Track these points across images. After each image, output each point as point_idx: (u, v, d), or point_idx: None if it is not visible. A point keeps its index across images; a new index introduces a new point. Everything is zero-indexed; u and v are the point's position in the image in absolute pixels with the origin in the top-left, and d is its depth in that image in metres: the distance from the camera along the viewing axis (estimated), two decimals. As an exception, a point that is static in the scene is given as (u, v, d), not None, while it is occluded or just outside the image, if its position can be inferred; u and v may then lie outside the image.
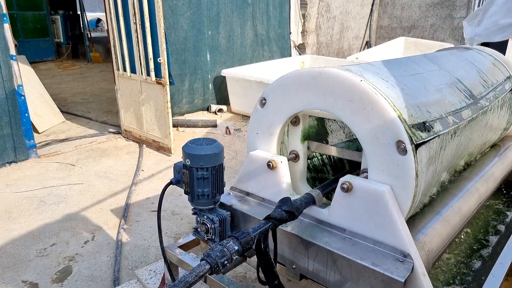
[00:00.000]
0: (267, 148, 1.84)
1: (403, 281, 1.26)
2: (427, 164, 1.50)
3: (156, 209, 3.53)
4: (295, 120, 1.83)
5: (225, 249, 1.27)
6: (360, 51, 9.95)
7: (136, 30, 4.53)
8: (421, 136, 1.44)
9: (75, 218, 3.40)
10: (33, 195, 3.77)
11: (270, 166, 1.75)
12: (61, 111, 6.77)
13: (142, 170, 4.39)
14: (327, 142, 2.09)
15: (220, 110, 6.63)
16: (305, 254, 1.60)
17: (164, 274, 2.14)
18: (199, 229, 1.83)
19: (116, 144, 5.22)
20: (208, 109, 6.70)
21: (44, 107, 6.13)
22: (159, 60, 4.43)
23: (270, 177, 1.78)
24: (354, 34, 9.93)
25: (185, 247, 2.07)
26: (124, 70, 4.97)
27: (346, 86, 1.48)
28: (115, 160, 4.66)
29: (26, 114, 4.42)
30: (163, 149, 4.85)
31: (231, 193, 1.97)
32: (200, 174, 1.70)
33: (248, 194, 1.91)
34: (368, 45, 10.07)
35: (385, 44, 8.54)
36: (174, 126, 5.77)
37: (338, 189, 1.54)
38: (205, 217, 1.79)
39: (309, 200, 1.63)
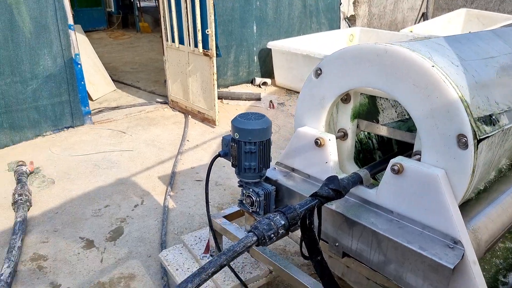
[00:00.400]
0: (316, 124, 1.84)
1: (452, 267, 1.24)
2: (485, 155, 1.44)
3: (200, 179, 3.66)
4: (345, 98, 1.80)
5: (272, 223, 1.30)
6: (415, 23, 9.42)
7: (185, 0, 4.56)
8: (485, 131, 1.37)
9: (125, 182, 3.60)
10: (88, 159, 4.01)
11: (318, 143, 1.74)
12: (112, 80, 7.04)
13: (188, 140, 4.52)
14: (377, 121, 2.04)
15: (264, 83, 6.61)
16: (349, 233, 1.61)
17: (208, 241, 2.23)
18: (244, 201, 1.88)
19: (163, 113, 5.38)
20: (252, 81, 6.70)
21: (97, 75, 6.40)
22: (207, 31, 4.45)
23: (317, 154, 1.78)
24: (410, 5, 9.39)
25: (229, 217, 2.14)
26: (173, 41, 5.05)
27: (414, 69, 1.41)
28: (162, 129, 4.82)
29: (82, 82, 4.64)
30: (208, 121, 4.95)
31: (276, 168, 2.00)
32: (248, 148, 1.74)
33: (293, 170, 1.93)
34: (424, 17, 9.51)
35: (444, 16, 8.02)
36: (218, 98, 5.84)
37: (388, 170, 1.52)
38: (251, 190, 1.83)
39: (356, 180, 1.62)
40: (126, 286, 2.40)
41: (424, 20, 9.21)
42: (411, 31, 7.22)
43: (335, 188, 1.49)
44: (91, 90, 5.97)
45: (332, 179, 1.52)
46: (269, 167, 1.83)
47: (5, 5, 3.86)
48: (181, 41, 4.93)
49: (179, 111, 5.44)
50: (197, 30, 4.56)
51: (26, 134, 4.30)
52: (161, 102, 5.82)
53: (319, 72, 1.75)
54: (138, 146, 4.37)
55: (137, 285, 2.41)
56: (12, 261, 2.44)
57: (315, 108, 1.81)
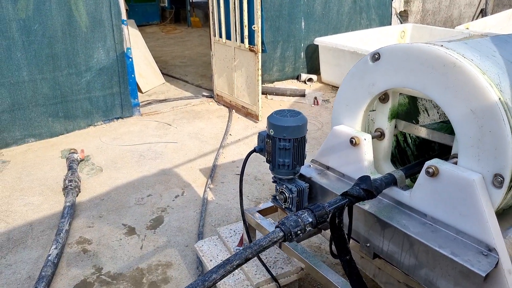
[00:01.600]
0: (352, 123, 1.81)
1: (483, 275, 1.19)
2: None
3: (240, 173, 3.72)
4: (384, 97, 1.76)
5: (299, 220, 1.31)
6: (472, 20, 8.90)
7: (233, -4, 4.62)
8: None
9: (168, 173, 3.74)
10: (135, 149, 4.21)
11: (353, 142, 1.72)
12: (162, 73, 7.31)
13: (230, 134, 4.60)
14: (417, 122, 1.98)
15: (310, 80, 6.55)
16: (381, 234, 1.57)
17: (242, 234, 2.28)
18: (277, 197, 1.90)
19: (208, 107, 5.50)
20: (298, 78, 6.67)
21: (148, 69, 6.66)
22: (253, 27, 4.48)
23: (352, 153, 1.76)
24: (467, 1, 8.88)
25: (263, 212, 2.17)
26: (220, 36, 5.14)
27: (475, 94, 1.35)
28: (206, 123, 4.94)
29: (133, 75, 4.85)
30: (251, 116, 5.00)
31: (311, 165, 1.99)
32: (282, 145, 1.74)
33: (328, 168, 1.92)
34: (483, 13, 8.95)
35: (504, 13, 7.51)
36: (263, 93, 5.88)
37: (422, 172, 1.47)
38: (284, 186, 1.84)
39: (390, 181, 1.59)
40: (163, 274, 2.50)
41: (482, 17, 8.67)
42: (467, 28, 6.83)
43: (366, 188, 1.46)
44: (141, 82, 6.23)
45: (364, 179, 1.50)
46: (303, 164, 1.82)
47: (64, 1, 4.12)
48: (228, 37, 5.01)
49: (223, 105, 5.54)
50: (244, 26, 4.61)
51: (79, 123, 4.59)
52: (206, 96, 5.95)
53: (376, 56, 1.68)
54: (182, 138, 4.51)
55: (173, 273, 2.51)
56: (60, 243, 2.62)
57: (352, 106, 1.78)
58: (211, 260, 2.22)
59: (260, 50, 4.56)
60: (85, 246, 2.76)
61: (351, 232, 1.58)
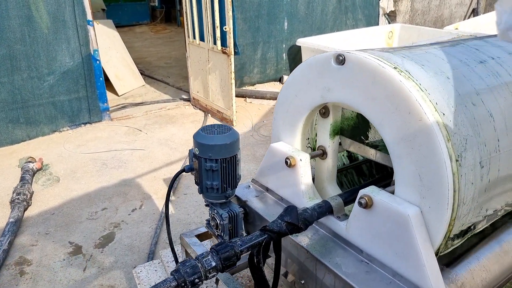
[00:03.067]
0: (291, 140, 1.59)
1: None
2: (474, 171, 1.14)
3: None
4: (324, 111, 1.54)
5: (199, 265, 1.09)
6: (464, 20, 8.68)
7: (205, -4, 4.40)
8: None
9: (129, 184, 3.52)
10: (98, 157, 3.99)
11: (288, 163, 1.50)
12: (144, 75, 7.09)
13: (201, 141, 4.38)
14: (366, 138, 1.76)
15: (293, 82, 6.32)
16: (314, 271, 1.36)
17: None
18: (210, 223, 1.68)
19: (183, 111, 5.29)
20: (280, 80, 6.45)
21: (126, 70, 6.44)
22: (225, 28, 4.26)
23: (288, 175, 1.54)
24: (459, 0, 8.66)
25: (203, 236, 1.96)
26: (194, 37, 4.92)
27: (407, 116, 1.16)
28: (179, 128, 4.72)
29: (101, 78, 4.63)
30: (226, 120, 4.78)
31: (251, 186, 1.78)
32: (209, 166, 1.53)
33: (267, 189, 1.70)
34: (474, 13, 8.73)
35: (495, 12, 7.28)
36: (242, 96, 5.67)
37: (356, 202, 1.25)
38: (216, 211, 1.63)
39: (325, 210, 1.37)
40: (102, 298, 2.29)
41: (474, 16, 8.45)
42: (456, 28, 6.62)
43: (290, 222, 1.25)
44: (118, 85, 6.01)
45: (289, 210, 1.28)
46: (235, 187, 1.61)
47: (23, 1, 3.90)
48: (202, 38, 4.79)
49: (200, 109, 5.33)
50: (216, 27, 4.39)
51: (42, 129, 4.37)
52: (185, 99, 5.73)
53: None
54: (151, 145, 4.29)
55: (113, 298, 2.29)
56: (-7, 264, 2.41)
57: (290, 120, 1.57)
58: (146, 289, 2.01)
59: (233, 53, 4.34)
60: (24, 267, 2.54)
61: (279, 268, 1.36)
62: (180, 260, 1.95)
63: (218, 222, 1.62)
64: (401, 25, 7.42)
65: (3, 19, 3.87)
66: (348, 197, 1.44)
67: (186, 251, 1.93)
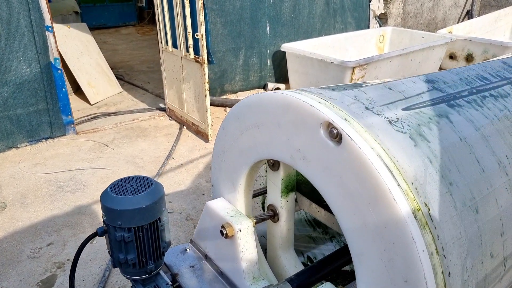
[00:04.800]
0: (232, 197, 1.22)
1: None
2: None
3: (171, 211, 3.13)
4: (273, 162, 1.17)
5: None
6: (458, 22, 8.36)
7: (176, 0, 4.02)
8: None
9: (84, 212, 3.14)
10: (55, 178, 3.60)
11: (223, 234, 1.13)
12: (123, 80, 6.70)
13: (173, 158, 4.01)
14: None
15: (278, 89, 5.94)
16: None
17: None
18: (128, 303, 1.31)
19: (157, 123, 4.90)
20: (264, 87, 6.08)
21: (100, 77, 6.04)
22: (197, 35, 3.88)
23: (227, 247, 1.17)
24: (452, 2, 8.33)
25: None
26: (167, 43, 4.54)
27: (371, 195, 0.81)
28: (150, 143, 4.34)
29: (63, 89, 4.24)
30: (201, 134, 4.41)
31: (188, 249, 1.40)
32: (120, 236, 1.15)
33: (206, 257, 1.33)
34: (469, 15, 8.41)
35: (490, 15, 6.97)
36: (222, 106, 5.30)
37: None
38: (135, 289, 1.26)
39: (267, 307, 1.00)
40: None
41: (468, 19, 8.13)
42: (450, 32, 6.29)
43: None
44: (90, 93, 5.62)
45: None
46: (160, 258, 1.24)
47: (-31, 6, 3.51)
48: (174, 45, 4.41)
49: (175, 120, 4.95)
50: (188, 33, 4.01)
51: (-3, 145, 3.97)
52: (161, 109, 5.35)
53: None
54: (117, 163, 3.90)
55: None
56: None
57: (229, 175, 1.20)
58: None
59: (206, 61, 3.96)
60: None
61: None
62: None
63: (138, 304, 1.24)
64: (392, 28, 7.09)
65: None
66: (302, 283, 1.07)
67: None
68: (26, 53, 3.89)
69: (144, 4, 14.21)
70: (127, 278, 1.31)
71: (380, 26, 7.38)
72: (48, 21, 3.95)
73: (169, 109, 5.04)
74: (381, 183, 0.73)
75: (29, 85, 3.98)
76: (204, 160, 3.99)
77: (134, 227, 1.15)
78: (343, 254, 1.15)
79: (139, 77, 7.14)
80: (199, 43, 3.93)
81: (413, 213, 0.71)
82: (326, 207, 1.19)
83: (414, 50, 5.62)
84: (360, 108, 0.90)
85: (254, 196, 1.32)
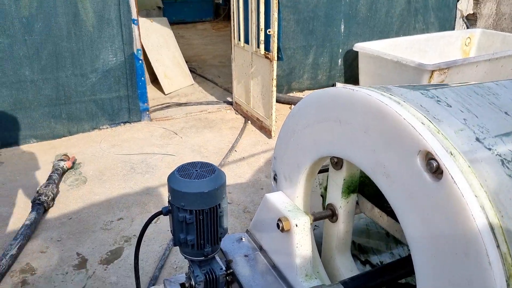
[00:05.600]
0: (291, 191, 1.24)
1: None
2: None
3: (230, 202, 3.23)
4: (336, 161, 1.17)
5: None
6: (558, 27, 7.49)
7: (252, -4, 4.10)
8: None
9: (151, 193, 3.35)
10: (129, 159, 3.87)
11: (279, 227, 1.15)
12: (195, 73, 6.99)
13: (235, 151, 4.11)
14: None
15: (347, 90, 5.83)
16: None
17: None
18: (185, 284, 1.39)
19: (224, 116, 5.05)
20: (333, 86, 5.97)
21: (175, 69, 6.36)
22: (268, 31, 3.93)
23: (282, 240, 1.19)
24: (554, 4, 7.48)
25: (190, 285, 1.66)
26: (239, 39, 4.65)
27: (446, 210, 0.76)
28: (215, 134, 4.49)
29: (142, 78, 4.53)
30: (264, 130, 4.47)
31: (244, 238, 1.45)
32: (182, 217, 1.23)
33: (261, 248, 1.36)
34: None
35: None
36: (287, 103, 5.31)
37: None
38: (192, 270, 1.33)
39: (316, 304, 1.01)
40: (91, 328, 2.11)
41: None
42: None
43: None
44: (165, 83, 5.94)
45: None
46: (217, 243, 1.29)
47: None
48: (246, 40, 4.51)
49: (240, 114, 5.06)
50: (260, 29, 4.08)
51: (83, 126, 4.36)
52: (228, 102, 5.51)
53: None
54: (183, 151, 4.10)
55: (104, 329, 2.10)
56: (-3, 271, 2.32)
57: (290, 169, 1.21)
58: (127, 334, 1.76)
59: (276, 58, 4.00)
60: (27, 277, 2.44)
61: None
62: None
63: (192, 283, 1.31)
64: (482, 30, 6.56)
65: (51, 17, 3.88)
66: (359, 285, 1.06)
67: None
68: (114, 44, 4.22)
69: (220, 1, 14.64)
70: (185, 258, 1.38)
71: (468, 27, 6.88)
72: (134, 15, 4.24)
73: (235, 103, 5.16)
74: (478, 242, 0.67)
75: (114, 73, 4.32)
76: (266, 156, 4.04)
77: (196, 209, 1.21)
78: (403, 265, 1.12)
79: (210, 71, 7.39)
80: (270, 40, 3.98)
81: (491, 230, 0.66)
82: (389, 213, 1.16)
83: (507, 55, 5.14)
84: (469, 138, 0.78)
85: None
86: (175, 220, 1.25)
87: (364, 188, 1.24)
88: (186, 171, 1.24)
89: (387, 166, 0.82)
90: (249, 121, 4.79)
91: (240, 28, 4.53)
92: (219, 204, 1.24)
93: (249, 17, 4.24)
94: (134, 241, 2.76)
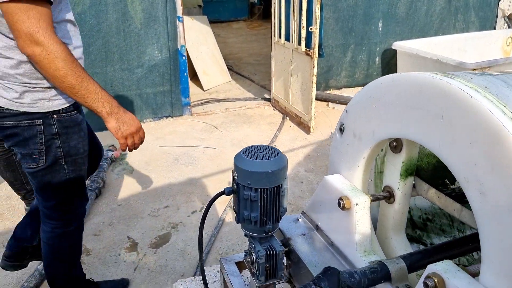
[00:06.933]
0: (350, 174, 1.31)
1: None
2: None
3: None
4: (396, 144, 1.22)
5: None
6: None
7: (294, -6, 4.17)
8: None
9: (195, 183, 3.48)
10: (172, 151, 4.03)
11: (341, 205, 1.22)
12: (232, 71, 7.13)
13: (275, 145, 4.19)
14: (452, 182, 1.38)
15: (384, 89, 5.79)
16: None
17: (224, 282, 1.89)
18: (246, 258, 1.48)
19: (262, 112, 5.15)
20: (370, 85, 5.95)
21: (214, 66, 6.51)
22: (310, 29, 3.99)
23: (342, 219, 1.26)
24: None
25: (243, 264, 1.75)
26: (280, 36, 4.74)
27: None
28: (254, 129, 4.59)
29: (185, 74, 4.69)
30: (303, 126, 4.53)
31: (300, 219, 1.53)
32: (247, 195, 1.32)
33: (317, 228, 1.44)
34: None
35: None
36: (324, 100, 5.35)
37: (420, 283, 0.93)
38: (253, 246, 1.42)
39: (380, 276, 1.07)
40: (145, 304, 2.24)
41: None
42: None
43: (327, 289, 0.98)
44: (204, 80, 6.11)
45: (329, 273, 1.01)
46: (277, 221, 1.37)
47: (120, -3, 4.09)
48: (287, 38, 4.59)
49: (279, 110, 5.14)
50: (302, 27, 4.15)
51: (128, 119, 4.56)
52: (266, 99, 5.60)
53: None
54: (224, 144, 4.22)
55: (156, 306, 2.23)
56: (54, 250, 2.50)
57: (350, 151, 1.28)
58: (182, 309, 1.88)
59: (317, 55, 4.05)
60: (83, 257, 2.61)
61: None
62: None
63: (253, 258, 1.40)
64: (524, 30, 6.36)
65: (102, 13, 4.09)
66: (416, 262, 1.12)
67: (223, 278, 1.75)
68: (159, 40, 4.40)
69: (256, 0, 14.79)
70: (245, 235, 1.47)
71: (509, 27, 6.68)
72: (179, 12, 4.41)
73: (274, 99, 5.25)
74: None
75: (158, 68, 4.50)
76: (304, 151, 4.10)
77: (261, 188, 1.30)
78: (462, 244, 1.16)
79: (246, 69, 7.52)
80: (312, 37, 4.04)
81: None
82: (447, 194, 1.20)
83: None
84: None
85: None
86: (240, 198, 1.34)
87: (420, 172, 1.29)
88: (251, 152, 1.33)
89: (478, 178, 0.83)
90: (287, 117, 4.86)
91: (281, 26, 4.61)
92: (281, 184, 1.33)
93: (291, 15, 4.32)
94: (180, 228, 2.89)
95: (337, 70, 5.66)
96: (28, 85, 1.54)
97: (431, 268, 0.92)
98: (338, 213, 1.27)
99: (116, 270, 2.49)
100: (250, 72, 7.24)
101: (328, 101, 5.29)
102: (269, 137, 4.40)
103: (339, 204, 1.23)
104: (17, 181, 2.08)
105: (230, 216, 3.02)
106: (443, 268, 0.91)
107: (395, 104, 1.00)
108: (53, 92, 1.59)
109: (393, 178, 1.25)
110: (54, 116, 1.62)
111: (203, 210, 1.52)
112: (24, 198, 2.28)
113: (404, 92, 0.98)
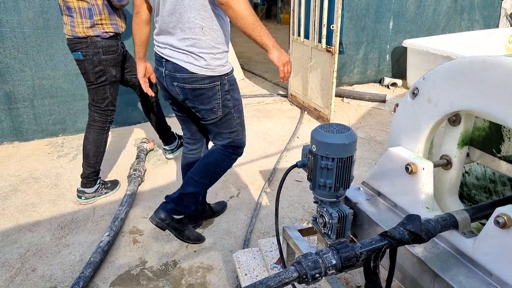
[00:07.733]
0: (412, 146, 1.54)
1: None
2: None
3: (301, 180, 3.54)
4: (454, 119, 1.46)
5: (320, 260, 1.12)
6: None
7: (314, -6, 4.41)
8: None
9: (229, 172, 3.63)
10: (201, 144, 4.24)
11: (409, 170, 1.45)
12: (244, 69, 7.35)
13: (297, 137, 4.43)
14: (498, 151, 1.62)
15: (394, 84, 6.05)
16: (430, 287, 1.30)
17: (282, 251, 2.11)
18: (317, 220, 1.70)
19: (280, 107, 5.38)
20: (380, 81, 6.21)
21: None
22: (332, 27, 4.23)
23: (407, 182, 1.49)
24: None
25: (305, 231, 1.98)
26: (299, 35, 4.97)
27: None
28: (275, 123, 4.82)
29: (208, 71, 4.90)
30: (322, 119, 4.76)
31: (361, 188, 1.76)
32: (324, 164, 1.54)
33: (379, 194, 1.67)
34: None
35: None
36: (339, 96, 5.59)
37: (491, 221, 1.17)
38: (325, 209, 1.64)
39: (449, 223, 1.30)
40: (202, 277, 2.45)
41: None
42: None
43: (413, 231, 1.21)
44: (220, 78, 6.32)
45: (412, 218, 1.24)
46: (348, 187, 1.60)
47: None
48: (306, 36, 4.82)
49: (296, 105, 5.37)
50: (322, 25, 4.38)
51: (155, 114, 4.77)
52: (281, 95, 5.83)
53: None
54: (249, 137, 4.42)
55: (212, 279, 2.44)
56: (113, 231, 2.71)
57: (414, 126, 1.51)
58: (246, 274, 2.10)
59: (337, 51, 4.29)
60: (136, 236, 2.82)
61: (393, 276, 1.33)
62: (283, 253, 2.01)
63: (326, 220, 1.63)
64: (526, 28, 6.65)
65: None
66: (475, 213, 1.35)
67: (287, 244, 1.98)
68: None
69: (259, 1, 15.02)
70: (314, 202, 1.70)
71: (511, 25, 6.97)
72: (203, 11, 4.61)
73: (291, 95, 5.48)
74: None
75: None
76: (326, 142, 4.33)
77: (337, 158, 1.52)
78: (504, 202, 1.39)
79: (257, 67, 7.75)
80: (333, 34, 4.27)
81: None
82: (494, 156, 1.43)
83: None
84: None
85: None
86: (318, 167, 1.56)
87: (473, 142, 1.53)
88: (327, 128, 1.56)
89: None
90: (305, 112, 5.09)
91: (300, 25, 4.84)
92: (352, 155, 1.56)
93: (311, 14, 4.55)
94: (220, 212, 3.11)
95: (350, 67, 5.90)
96: (212, 54, 2.08)
97: (499, 210, 1.15)
98: (403, 178, 1.49)
99: (170, 247, 2.71)
100: (261, 70, 7.47)
101: (343, 97, 5.53)
102: (291, 130, 4.62)
103: (407, 169, 1.46)
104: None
105: (266, 200, 3.24)
106: (510, 209, 1.14)
107: (483, 82, 1.21)
108: (225, 59, 2.19)
109: (451, 147, 1.48)
110: (226, 77, 2.21)
111: (279, 182, 1.75)
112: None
113: (494, 73, 1.19)
